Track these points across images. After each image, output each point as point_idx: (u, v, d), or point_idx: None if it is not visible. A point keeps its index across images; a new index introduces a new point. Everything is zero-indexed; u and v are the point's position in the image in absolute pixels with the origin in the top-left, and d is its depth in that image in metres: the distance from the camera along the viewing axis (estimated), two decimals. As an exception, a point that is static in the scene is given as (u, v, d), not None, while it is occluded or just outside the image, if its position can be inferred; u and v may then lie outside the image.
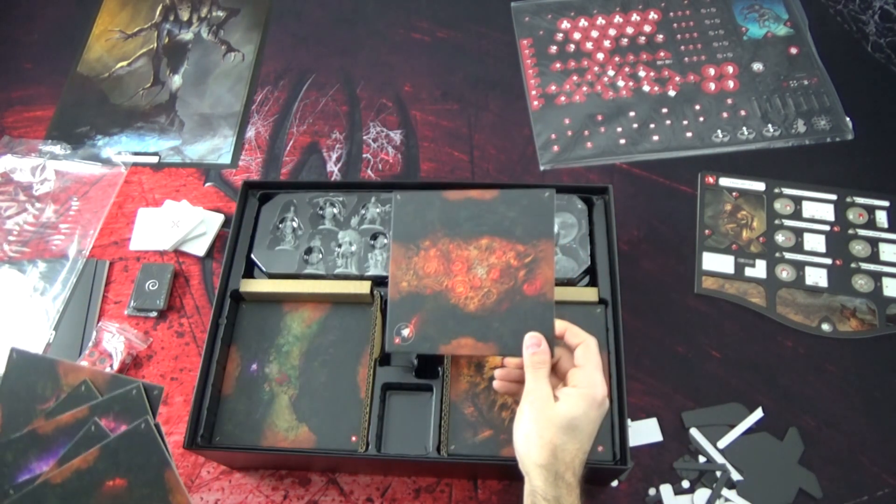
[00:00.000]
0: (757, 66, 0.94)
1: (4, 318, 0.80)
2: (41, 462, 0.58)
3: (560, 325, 0.56)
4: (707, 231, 0.82)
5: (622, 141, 0.89)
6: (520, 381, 0.56)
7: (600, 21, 1.00)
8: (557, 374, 0.56)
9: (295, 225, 0.74)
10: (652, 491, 0.68)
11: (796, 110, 0.90)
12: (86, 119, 0.97)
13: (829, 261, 0.80)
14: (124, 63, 1.02)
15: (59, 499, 0.56)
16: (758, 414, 0.71)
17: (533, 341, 0.54)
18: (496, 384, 0.59)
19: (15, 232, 0.86)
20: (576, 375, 0.53)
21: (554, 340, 0.55)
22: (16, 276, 0.83)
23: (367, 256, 0.71)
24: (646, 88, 0.94)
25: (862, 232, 0.81)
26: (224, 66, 1.01)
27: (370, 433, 0.63)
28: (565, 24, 1.01)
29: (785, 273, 0.79)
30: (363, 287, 0.69)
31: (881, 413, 0.71)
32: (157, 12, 1.07)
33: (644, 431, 0.70)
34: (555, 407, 0.51)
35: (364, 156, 0.91)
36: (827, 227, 0.82)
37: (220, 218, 0.85)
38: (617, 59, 0.97)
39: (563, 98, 0.94)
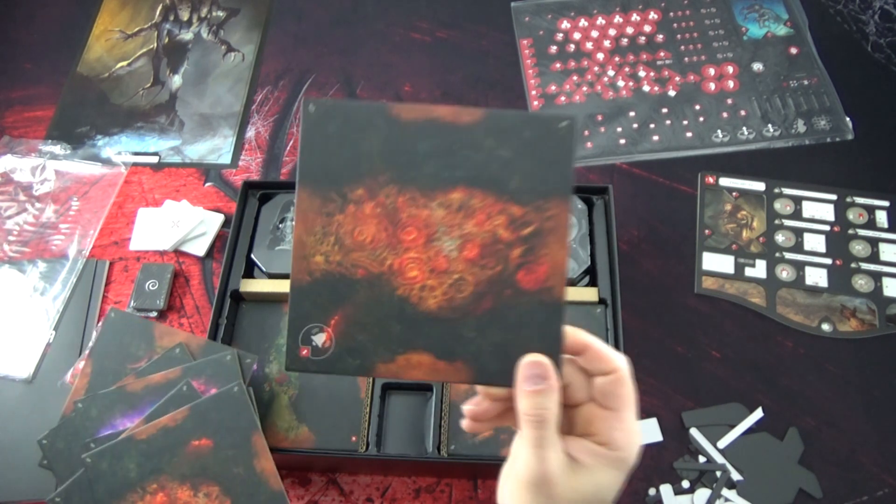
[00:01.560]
0: (757, 66, 0.94)
1: (4, 318, 0.80)
2: (125, 419, 0.58)
3: (577, 338, 0.36)
4: (707, 231, 0.82)
5: (622, 141, 0.89)
6: (502, 417, 0.37)
7: (600, 21, 1.00)
8: (567, 401, 0.36)
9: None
10: (652, 491, 0.68)
11: (796, 110, 0.90)
12: (86, 119, 0.97)
13: (829, 261, 0.80)
14: (124, 63, 1.02)
15: (142, 454, 0.56)
16: (758, 414, 0.71)
17: (534, 371, 0.34)
18: (465, 424, 0.38)
19: (15, 232, 0.86)
20: (604, 425, 0.34)
21: (561, 363, 0.35)
22: (16, 276, 0.83)
23: (367, 256, 0.71)
24: (646, 88, 0.94)
25: (862, 232, 0.81)
26: (224, 66, 1.01)
27: (370, 433, 0.63)
28: (565, 24, 1.01)
29: (785, 273, 0.79)
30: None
31: (881, 413, 0.71)
32: (157, 12, 1.07)
33: (644, 431, 0.71)
34: (569, 483, 0.33)
35: (364, 156, 0.91)
36: (827, 227, 0.82)
37: (220, 218, 0.85)
38: (617, 59, 0.97)
39: (563, 98, 0.94)
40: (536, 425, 0.33)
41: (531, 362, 0.34)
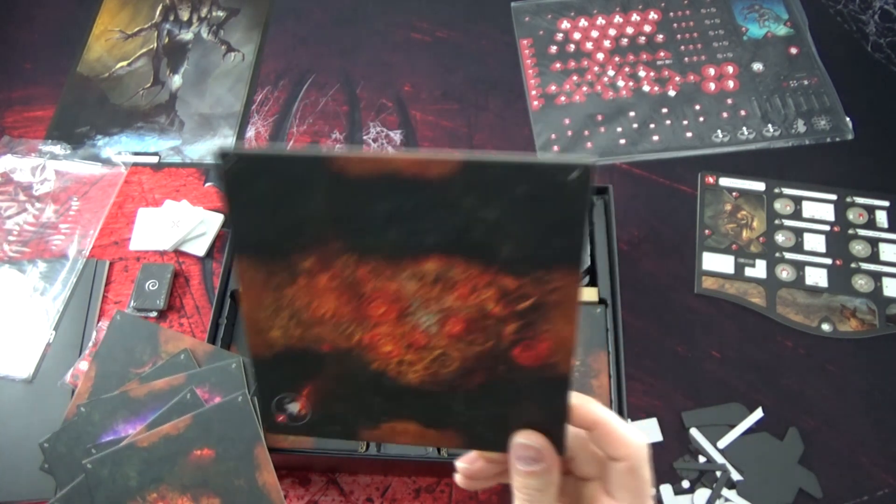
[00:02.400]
0: (757, 66, 0.94)
1: (4, 318, 0.80)
2: (128, 425, 0.57)
3: (588, 412, 0.32)
4: (707, 231, 0.82)
5: (622, 141, 0.89)
6: (500, 476, 0.34)
7: (600, 21, 1.00)
8: (575, 475, 0.34)
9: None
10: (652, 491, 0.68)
11: (796, 110, 0.90)
12: (86, 119, 0.97)
13: (829, 261, 0.80)
14: (124, 63, 1.02)
15: (143, 462, 0.55)
16: (758, 414, 0.71)
17: (526, 453, 0.31)
18: (458, 481, 0.35)
19: (15, 232, 0.86)
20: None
21: (565, 438, 0.32)
22: (16, 276, 0.83)
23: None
24: (646, 88, 0.94)
25: (862, 232, 0.81)
26: (224, 66, 1.01)
27: (370, 433, 0.63)
28: (565, 24, 1.01)
29: (785, 273, 0.79)
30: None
31: (881, 413, 0.71)
32: (157, 12, 1.07)
33: (644, 431, 0.71)
34: None
35: (364, 156, 0.91)
36: (827, 227, 0.82)
37: (220, 218, 0.85)
38: (617, 59, 0.97)
39: (563, 98, 0.94)
40: (530, 501, 0.31)
41: (524, 443, 0.31)
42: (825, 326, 0.76)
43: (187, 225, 0.83)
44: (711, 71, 0.95)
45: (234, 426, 0.56)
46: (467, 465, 0.34)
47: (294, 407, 0.34)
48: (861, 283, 0.78)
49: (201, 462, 0.55)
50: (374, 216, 0.29)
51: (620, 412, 0.62)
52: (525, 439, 0.31)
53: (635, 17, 1.00)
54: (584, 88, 0.94)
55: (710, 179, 0.86)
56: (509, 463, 0.32)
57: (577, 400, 0.31)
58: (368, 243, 0.29)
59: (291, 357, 0.33)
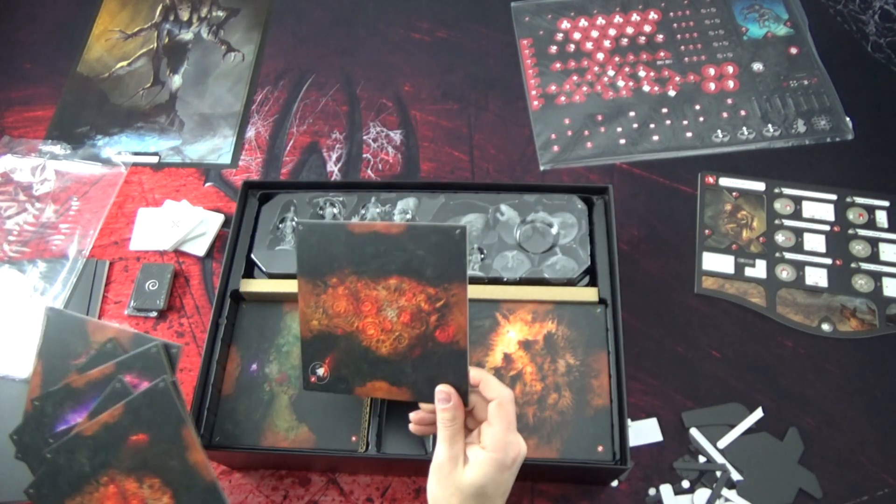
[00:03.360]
0: (757, 66, 0.94)
1: (4, 318, 0.80)
2: (75, 414, 0.62)
3: (476, 375, 0.52)
4: (707, 231, 0.82)
5: (622, 141, 0.89)
6: (434, 425, 0.53)
7: (600, 21, 1.00)
8: (476, 419, 0.53)
9: (295, 225, 0.74)
10: (652, 491, 0.68)
11: (796, 110, 0.90)
12: (86, 119, 0.97)
13: (829, 261, 0.80)
14: (124, 63, 1.02)
15: (90, 450, 0.59)
16: (758, 414, 0.71)
17: (442, 396, 0.51)
18: (411, 427, 0.55)
19: (15, 232, 0.86)
20: (486, 434, 0.50)
21: (468, 391, 0.52)
22: (16, 276, 0.83)
23: (367, 256, 0.72)
24: (646, 88, 0.94)
25: (862, 232, 0.81)
26: (224, 66, 1.01)
27: (370, 433, 0.63)
28: (565, 24, 1.01)
29: (785, 273, 0.79)
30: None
31: (881, 413, 0.71)
32: (157, 12, 1.07)
33: (644, 431, 0.71)
34: (463, 473, 0.49)
35: (364, 156, 0.91)
36: (827, 227, 0.82)
37: (220, 218, 0.85)
38: (617, 59, 0.97)
39: (563, 98, 0.94)
40: (444, 429, 0.50)
41: (441, 390, 0.52)
42: (825, 326, 0.76)
43: (187, 225, 0.83)
44: (711, 71, 0.95)
45: (160, 411, 0.59)
46: (418, 415, 0.55)
47: (321, 371, 0.57)
48: (861, 283, 0.78)
49: (138, 446, 0.59)
50: (366, 254, 0.54)
51: (620, 412, 0.62)
52: (442, 388, 0.52)
53: (635, 17, 1.00)
54: (584, 88, 0.94)
55: (710, 179, 0.86)
56: (436, 411, 0.51)
57: (471, 369, 0.53)
58: (363, 269, 0.55)
59: (321, 337, 0.57)
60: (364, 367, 0.55)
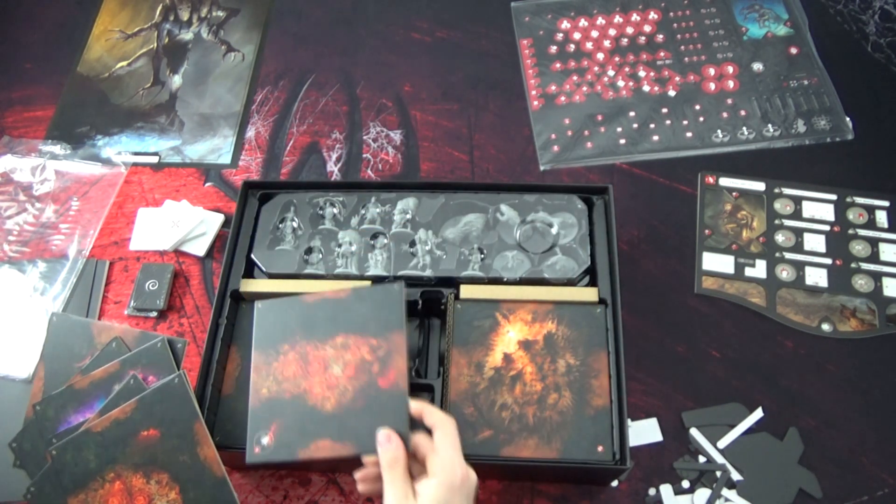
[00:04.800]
0: (757, 66, 0.94)
1: (4, 318, 0.80)
2: (78, 415, 0.63)
3: (416, 407, 0.53)
4: (707, 231, 0.82)
5: (622, 141, 0.89)
6: (381, 480, 0.52)
7: (600, 21, 1.00)
8: (420, 463, 0.52)
9: (295, 225, 0.74)
10: (652, 491, 0.68)
11: (796, 110, 0.90)
12: (86, 119, 0.97)
13: (829, 261, 0.80)
14: (124, 63, 1.02)
15: (99, 445, 0.60)
16: (758, 414, 0.71)
17: (382, 438, 0.52)
18: (358, 486, 0.55)
19: (15, 232, 0.86)
20: (433, 462, 0.50)
21: (409, 433, 0.52)
22: (16, 276, 0.83)
23: (367, 256, 0.71)
24: (646, 88, 0.94)
25: (862, 232, 0.81)
26: (224, 66, 1.01)
27: (370, 433, 0.63)
28: (565, 24, 1.01)
29: (785, 273, 0.79)
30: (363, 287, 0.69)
31: (881, 413, 0.71)
32: (157, 12, 1.07)
33: (644, 431, 0.71)
34: None
35: (364, 156, 0.91)
36: (827, 227, 0.82)
37: (220, 218, 0.85)
38: (617, 59, 0.97)
39: (563, 98, 0.94)
40: (389, 470, 0.50)
41: (381, 432, 0.52)
42: (825, 326, 0.76)
43: (187, 225, 0.83)
44: (711, 71, 0.95)
45: (174, 406, 0.61)
46: (360, 473, 0.55)
47: (266, 440, 0.56)
48: (861, 283, 0.78)
49: (149, 442, 0.60)
50: (316, 318, 0.58)
51: (620, 412, 0.62)
52: (382, 430, 0.52)
53: (635, 17, 1.00)
54: (584, 88, 0.94)
55: (710, 179, 0.86)
56: (379, 456, 0.51)
57: (413, 403, 0.54)
58: (313, 333, 0.58)
59: (269, 405, 0.57)
60: (309, 426, 0.55)
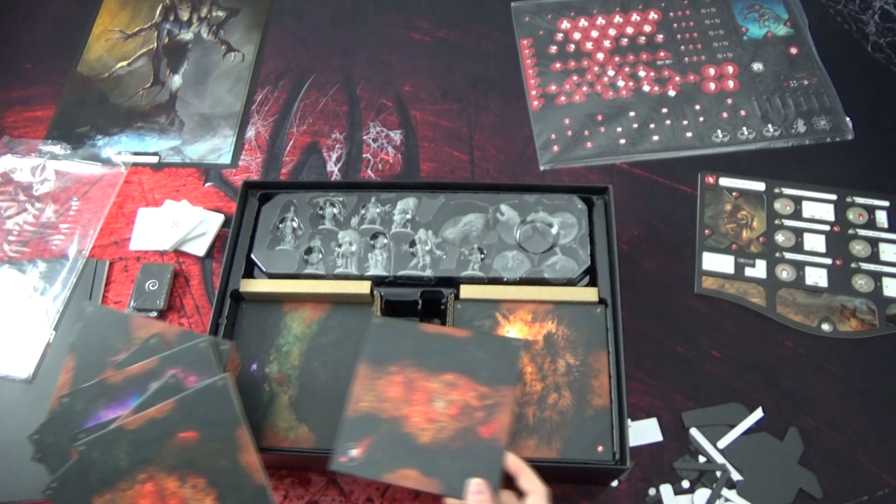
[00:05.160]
0: (757, 66, 0.94)
1: (4, 318, 0.80)
2: (108, 410, 0.59)
3: (514, 465, 0.54)
4: (707, 231, 0.82)
5: (622, 141, 0.89)
6: None
7: (600, 21, 1.00)
8: None
9: (295, 225, 0.74)
10: (652, 491, 0.68)
11: (796, 110, 0.90)
12: (86, 119, 0.97)
13: (829, 261, 0.80)
14: (124, 63, 1.02)
15: (131, 444, 0.57)
16: (758, 414, 0.71)
17: (476, 489, 0.53)
18: None
19: (15, 232, 0.86)
20: None
21: (500, 488, 0.54)
22: (16, 276, 0.83)
23: (367, 256, 0.71)
24: (646, 88, 0.94)
25: (862, 232, 0.81)
26: (224, 66, 1.01)
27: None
28: (565, 24, 1.01)
29: (785, 273, 0.79)
30: (363, 287, 0.69)
31: (881, 413, 0.71)
32: (157, 12, 1.07)
33: (644, 431, 0.71)
34: None
35: (364, 156, 0.91)
36: (827, 227, 0.82)
37: (220, 218, 0.85)
38: (617, 59, 0.97)
39: (563, 98, 0.94)
40: None
41: (475, 482, 0.54)
42: (825, 326, 0.76)
43: (187, 225, 0.83)
44: (711, 71, 0.95)
45: (216, 409, 0.58)
46: None
47: (354, 451, 0.57)
48: (861, 283, 0.78)
49: (186, 444, 0.57)
50: (430, 350, 0.60)
51: (620, 412, 0.62)
52: (476, 480, 0.54)
53: (635, 17, 1.00)
54: (584, 88, 0.94)
55: (710, 179, 0.86)
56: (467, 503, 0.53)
57: (513, 460, 0.55)
58: (424, 363, 0.60)
59: (366, 418, 0.58)
60: (400, 452, 0.56)
